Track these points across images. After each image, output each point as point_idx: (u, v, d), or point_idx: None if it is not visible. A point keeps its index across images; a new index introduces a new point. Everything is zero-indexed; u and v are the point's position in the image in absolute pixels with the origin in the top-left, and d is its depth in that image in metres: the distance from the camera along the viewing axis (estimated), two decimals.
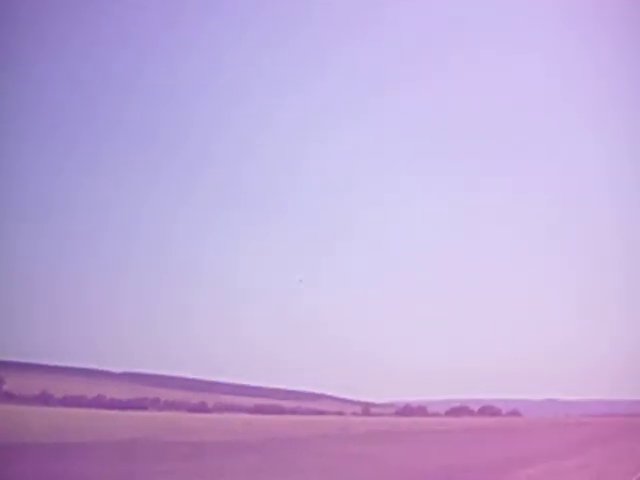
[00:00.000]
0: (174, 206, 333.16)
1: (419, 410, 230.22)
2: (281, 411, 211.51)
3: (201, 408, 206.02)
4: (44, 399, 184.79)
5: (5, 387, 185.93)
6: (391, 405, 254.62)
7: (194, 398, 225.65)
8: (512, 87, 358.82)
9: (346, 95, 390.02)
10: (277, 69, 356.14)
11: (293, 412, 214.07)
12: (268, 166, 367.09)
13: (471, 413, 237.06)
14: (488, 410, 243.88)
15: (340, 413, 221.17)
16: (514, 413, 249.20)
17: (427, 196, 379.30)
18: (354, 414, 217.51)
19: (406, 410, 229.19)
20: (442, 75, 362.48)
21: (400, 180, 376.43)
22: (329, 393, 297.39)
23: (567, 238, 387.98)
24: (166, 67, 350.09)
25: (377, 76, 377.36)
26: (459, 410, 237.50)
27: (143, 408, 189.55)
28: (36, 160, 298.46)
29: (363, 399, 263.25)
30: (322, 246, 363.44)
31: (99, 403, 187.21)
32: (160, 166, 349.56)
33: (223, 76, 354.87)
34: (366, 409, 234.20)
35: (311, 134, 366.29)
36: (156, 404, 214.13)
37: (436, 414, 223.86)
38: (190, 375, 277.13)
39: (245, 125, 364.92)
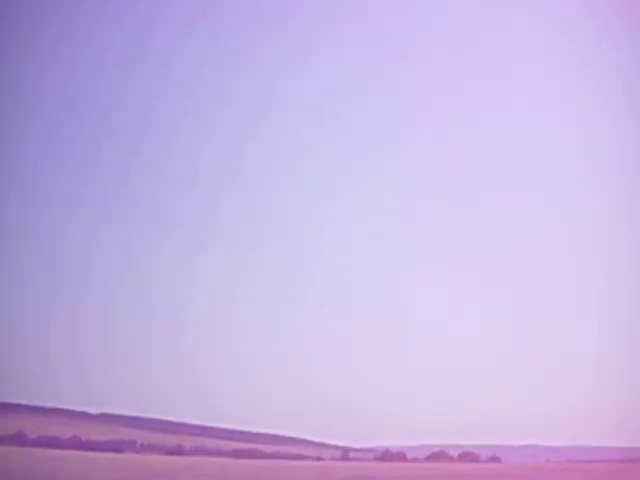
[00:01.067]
0: (158, 242, 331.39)
1: (398, 455, 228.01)
2: (259, 455, 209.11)
3: (178, 451, 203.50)
4: (19, 439, 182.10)
5: None
6: (370, 450, 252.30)
7: (171, 441, 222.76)
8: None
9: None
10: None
11: (271, 456, 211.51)
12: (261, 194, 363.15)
13: (451, 459, 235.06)
14: (468, 456, 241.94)
15: (319, 458, 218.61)
16: (494, 459, 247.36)
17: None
18: (333, 459, 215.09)
19: (386, 455, 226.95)
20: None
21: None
22: (307, 437, 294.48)
23: (558, 267, 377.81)
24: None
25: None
26: (439, 455, 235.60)
27: (119, 450, 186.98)
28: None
29: (342, 444, 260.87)
30: (308, 284, 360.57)
31: (74, 444, 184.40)
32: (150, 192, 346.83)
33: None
34: (345, 454, 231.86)
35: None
36: (132, 446, 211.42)
37: (415, 459, 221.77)
38: (167, 417, 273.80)
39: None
